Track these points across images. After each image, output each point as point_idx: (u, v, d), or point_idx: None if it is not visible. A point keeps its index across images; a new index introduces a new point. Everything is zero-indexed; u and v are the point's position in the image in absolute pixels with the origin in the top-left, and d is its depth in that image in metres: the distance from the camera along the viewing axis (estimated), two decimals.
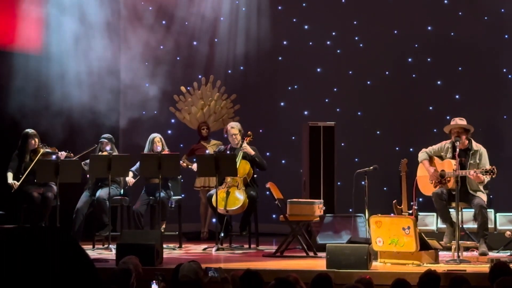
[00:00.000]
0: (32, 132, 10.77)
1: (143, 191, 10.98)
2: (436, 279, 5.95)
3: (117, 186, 10.93)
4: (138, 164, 10.74)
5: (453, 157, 9.30)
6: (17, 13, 11.61)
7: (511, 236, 9.44)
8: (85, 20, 11.97)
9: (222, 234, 10.50)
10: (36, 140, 10.73)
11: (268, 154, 12.37)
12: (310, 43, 13.54)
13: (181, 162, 11.12)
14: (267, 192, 10.03)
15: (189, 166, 11.45)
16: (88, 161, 10.64)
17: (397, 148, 12.98)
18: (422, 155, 9.81)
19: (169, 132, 12.66)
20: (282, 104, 13.59)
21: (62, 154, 10.54)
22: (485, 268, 7.84)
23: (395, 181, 9.78)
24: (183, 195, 11.39)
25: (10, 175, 10.67)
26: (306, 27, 13.57)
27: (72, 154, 10.61)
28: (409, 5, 13.17)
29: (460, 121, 9.62)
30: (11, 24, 11.65)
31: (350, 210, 10.48)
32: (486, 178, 9.36)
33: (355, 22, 13.42)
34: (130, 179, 10.84)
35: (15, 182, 10.59)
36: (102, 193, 10.69)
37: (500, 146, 12.45)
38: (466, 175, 9.38)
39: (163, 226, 10.84)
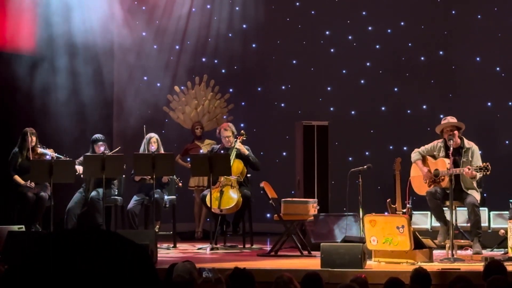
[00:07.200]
0: (30, 130, 10.72)
1: (137, 191, 10.98)
2: (427, 276, 5.95)
3: (112, 186, 10.93)
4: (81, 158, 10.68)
5: (447, 156, 9.30)
6: (9, 12, 11.58)
7: (505, 235, 9.43)
8: (78, 20, 11.94)
9: (220, 232, 10.51)
10: (34, 138, 10.68)
11: (262, 153, 12.35)
12: (304, 42, 13.54)
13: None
14: (261, 191, 10.01)
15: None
16: (81, 158, 10.64)
17: (391, 147, 12.99)
18: (415, 155, 9.80)
19: (163, 131, 12.63)
20: (275, 103, 13.57)
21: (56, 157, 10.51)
22: (479, 266, 7.84)
23: (389, 180, 9.78)
24: (177, 195, 11.37)
25: (18, 178, 10.65)
26: (299, 26, 13.56)
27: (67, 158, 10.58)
28: (403, 4, 13.17)
29: (451, 119, 9.62)
30: (3, 24, 11.62)
31: (344, 209, 10.49)
32: (479, 175, 9.37)
33: (348, 21, 13.42)
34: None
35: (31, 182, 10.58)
36: (95, 193, 10.67)
37: (494, 144, 12.46)
38: (460, 173, 9.39)
39: (157, 226, 10.83)
